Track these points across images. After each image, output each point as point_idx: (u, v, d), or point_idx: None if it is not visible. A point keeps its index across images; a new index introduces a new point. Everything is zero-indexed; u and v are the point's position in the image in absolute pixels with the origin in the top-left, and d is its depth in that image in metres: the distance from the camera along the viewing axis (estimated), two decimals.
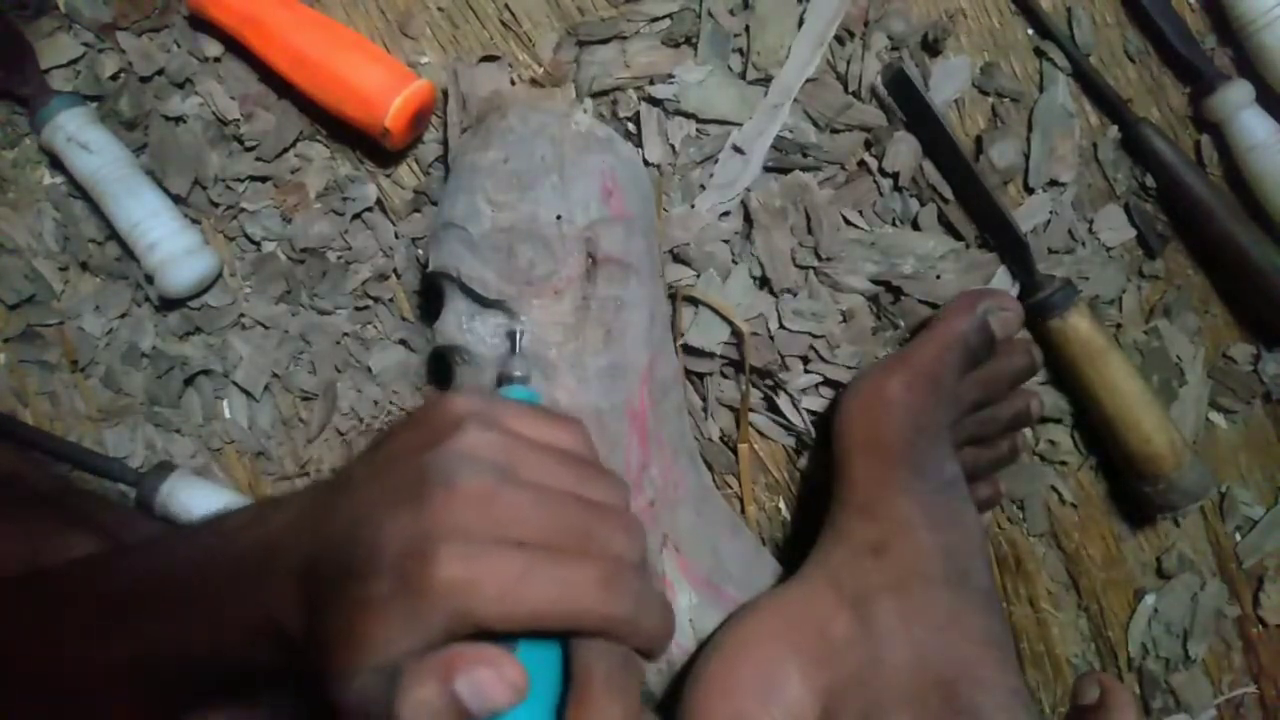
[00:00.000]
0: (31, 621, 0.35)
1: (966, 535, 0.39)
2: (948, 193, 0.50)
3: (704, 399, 0.51)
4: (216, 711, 0.36)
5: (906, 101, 0.49)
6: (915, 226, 0.50)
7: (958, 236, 0.50)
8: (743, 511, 0.51)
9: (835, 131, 0.50)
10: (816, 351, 0.50)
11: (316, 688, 0.27)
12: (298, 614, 0.28)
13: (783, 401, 0.50)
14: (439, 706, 0.24)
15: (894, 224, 0.51)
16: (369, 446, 0.31)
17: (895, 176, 0.50)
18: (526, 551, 0.27)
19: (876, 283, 0.50)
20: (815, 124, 0.50)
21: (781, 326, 0.49)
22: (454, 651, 0.25)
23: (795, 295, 0.50)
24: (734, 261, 0.50)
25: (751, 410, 0.51)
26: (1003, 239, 0.49)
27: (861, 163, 0.51)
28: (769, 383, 0.50)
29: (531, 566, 0.26)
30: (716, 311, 0.49)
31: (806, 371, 0.50)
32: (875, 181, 0.50)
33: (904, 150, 0.49)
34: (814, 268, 0.50)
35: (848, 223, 0.50)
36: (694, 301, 0.49)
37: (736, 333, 0.49)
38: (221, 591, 0.31)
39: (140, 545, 0.36)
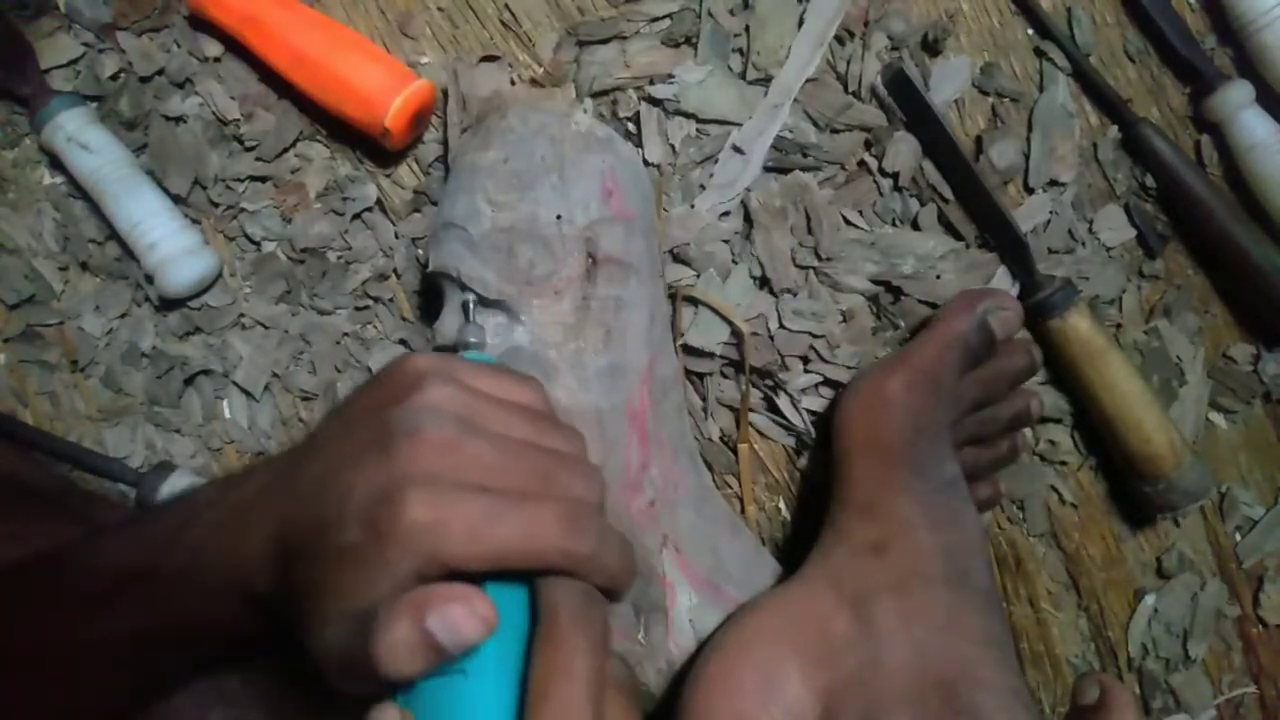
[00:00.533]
0: (20, 607, 0.35)
1: (966, 535, 0.39)
2: (948, 193, 0.50)
3: (704, 399, 0.51)
4: (215, 702, 0.36)
5: (906, 101, 0.49)
6: (915, 226, 0.50)
7: (958, 236, 0.50)
8: (743, 511, 0.51)
9: (835, 131, 0.50)
10: (816, 351, 0.50)
11: (298, 647, 0.28)
12: (271, 574, 0.29)
13: (783, 401, 0.50)
14: (413, 644, 0.25)
15: (894, 224, 0.51)
16: (333, 409, 0.32)
17: (895, 176, 0.50)
18: (491, 495, 0.28)
19: (876, 283, 0.50)
20: (815, 124, 0.50)
21: (781, 326, 0.49)
22: (425, 590, 0.26)
23: (795, 295, 0.50)
24: (734, 261, 0.50)
25: (751, 410, 0.51)
26: (1003, 239, 0.49)
27: (861, 163, 0.51)
28: (769, 383, 0.50)
29: (496, 508, 0.27)
30: (716, 311, 0.49)
31: (806, 371, 0.50)
32: (875, 181, 0.50)
33: (904, 150, 0.49)
34: (814, 268, 0.50)
35: (848, 223, 0.50)
36: (694, 301, 0.49)
37: (736, 333, 0.49)
38: (198, 561, 0.32)
39: (118, 525, 0.37)
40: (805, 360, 0.50)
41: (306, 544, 0.28)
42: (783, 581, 0.41)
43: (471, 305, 0.42)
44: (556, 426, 0.32)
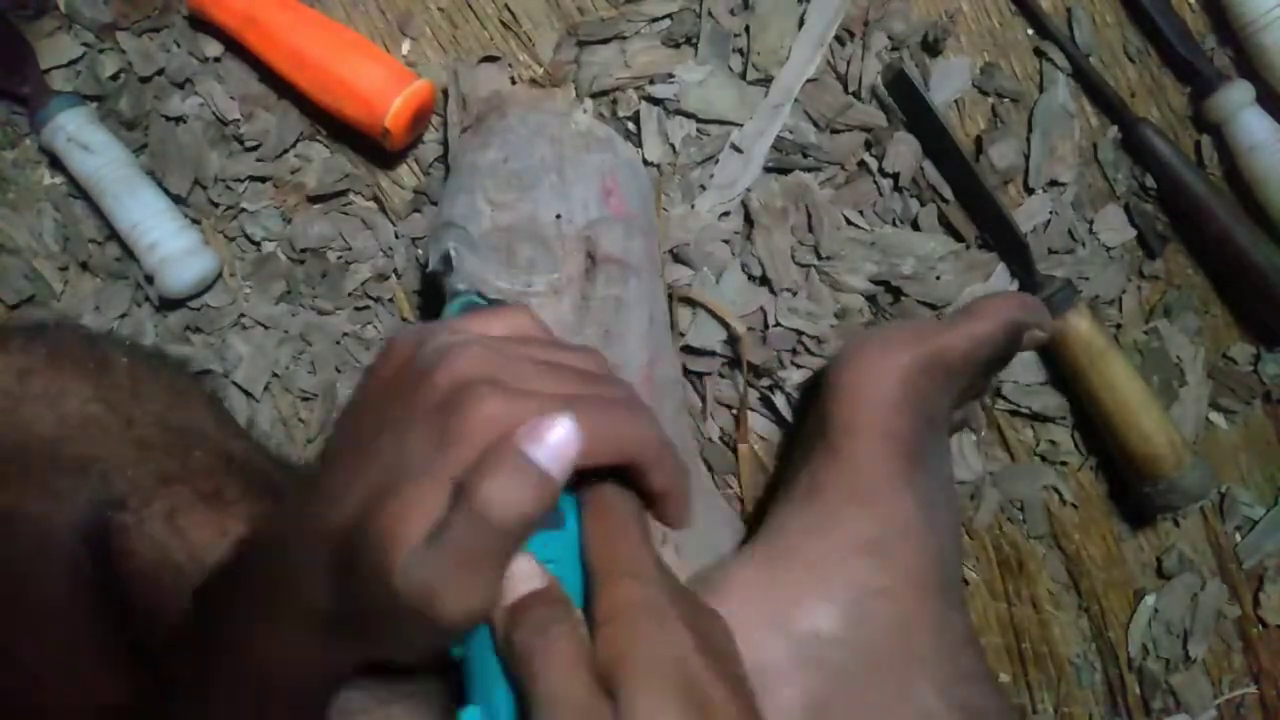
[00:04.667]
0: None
1: (954, 536, 0.40)
2: (948, 193, 0.50)
3: (704, 399, 0.51)
4: None
5: (906, 101, 0.49)
6: (915, 226, 0.50)
7: (958, 237, 0.50)
8: (743, 511, 0.51)
9: (835, 131, 0.50)
10: (805, 346, 0.49)
11: (375, 636, 0.26)
12: (329, 579, 0.26)
13: (779, 400, 0.50)
14: (521, 480, 0.24)
15: (894, 224, 0.51)
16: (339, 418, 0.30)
17: (895, 176, 0.50)
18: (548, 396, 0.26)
19: (876, 283, 0.50)
20: (815, 124, 0.50)
21: (779, 325, 0.49)
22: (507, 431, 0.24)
23: (795, 295, 0.50)
24: (735, 262, 0.50)
25: (750, 410, 0.51)
26: (1003, 239, 0.49)
27: (861, 163, 0.51)
28: (767, 382, 0.50)
29: (567, 401, 0.26)
30: (713, 313, 0.49)
31: (795, 365, 0.50)
32: (875, 181, 0.50)
33: (904, 150, 0.49)
34: (814, 267, 0.50)
35: (848, 222, 0.50)
36: (692, 303, 0.49)
37: (734, 334, 0.49)
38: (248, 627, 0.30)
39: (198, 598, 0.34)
40: (794, 352, 0.50)
41: (355, 518, 0.25)
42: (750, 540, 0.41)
43: (454, 254, 0.41)
44: (571, 347, 0.30)
